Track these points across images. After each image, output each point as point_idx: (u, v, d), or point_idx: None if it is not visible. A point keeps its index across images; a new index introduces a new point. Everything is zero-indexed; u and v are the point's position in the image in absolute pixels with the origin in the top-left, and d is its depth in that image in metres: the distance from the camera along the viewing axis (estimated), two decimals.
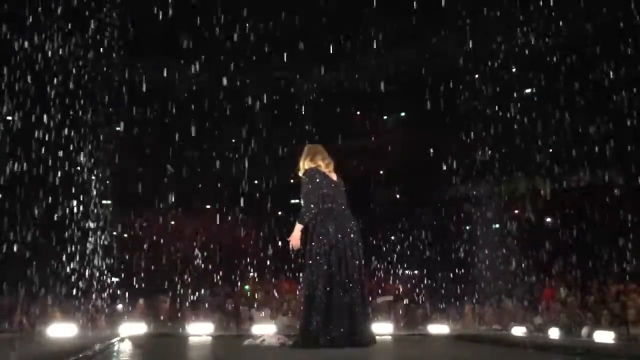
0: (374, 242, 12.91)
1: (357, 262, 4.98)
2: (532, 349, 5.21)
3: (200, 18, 11.87)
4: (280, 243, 11.97)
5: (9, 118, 11.33)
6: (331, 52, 13.14)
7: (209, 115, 13.54)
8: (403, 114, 15.96)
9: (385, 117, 16.22)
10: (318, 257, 4.89)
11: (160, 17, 11.50)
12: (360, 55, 13.97)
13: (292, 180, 5.27)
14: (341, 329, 4.75)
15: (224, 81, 13.23)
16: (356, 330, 4.79)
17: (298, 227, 5.03)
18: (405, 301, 11.54)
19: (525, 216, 12.67)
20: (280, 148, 13.72)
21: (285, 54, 13.28)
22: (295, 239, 5.04)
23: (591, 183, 12.37)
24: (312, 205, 4.96)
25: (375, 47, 13.20)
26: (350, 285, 4.87)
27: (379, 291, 12.11)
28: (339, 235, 4.95)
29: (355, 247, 5.00)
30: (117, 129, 13.33)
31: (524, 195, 12.97)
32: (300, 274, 5.13)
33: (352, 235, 5.01)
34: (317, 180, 5.03)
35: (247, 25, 12.24)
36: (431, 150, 14.50)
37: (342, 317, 4.78)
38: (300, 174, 5.17)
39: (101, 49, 11.51)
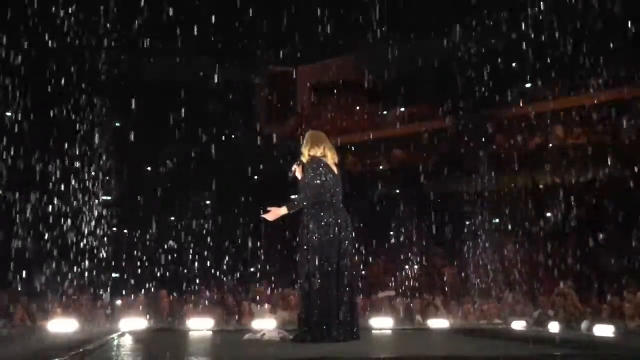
0: (376, 236, 12.92)
1: (349, 259, 4.97)
2: (532, 343, 5.22)
3: (200, 10, 11.85)
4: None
5: (9, 114, 11.33)
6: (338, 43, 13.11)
7: (207, 109, 13.54)
8: (403, 109, 15.96)
9: (385, 113, 16.22)
10: (314, 249, 4.88)
11: (160, 10, 11.49)
12: (368, 47, 13.96)
13: (290, 174, 5.21)
14: (331, 324, 4.76)
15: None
16: (342, 326, 4.79)
17: (283, 210, 4.95)
18: (406, 296, 11.54)
19: (526, 212, 12.66)
20: (282, 143, 13.73)
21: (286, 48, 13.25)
22: (273, 214, 4.95)
23: (593, 178, 12.38)
24: (309, 197, 4.94)
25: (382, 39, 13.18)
26: (340, 280, 4.87)
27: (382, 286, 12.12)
28: (337, 229, 4.94)
29: (349, 243, 5.00)
30: (117, 124, 13.35)
31: (524, 190, 12.97)
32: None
33: (347, 231, 5.01)
34: (321, 170, 5.01)
35: (248, 18, 12.22)
36: (432, 146, 14.54)
37: (332, 312, 4.79)
38: (304, 160, 5.13)
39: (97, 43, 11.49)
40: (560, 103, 13.55)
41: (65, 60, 10.92)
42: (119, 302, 10.70)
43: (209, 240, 13.19)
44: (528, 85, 14.15)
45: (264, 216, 5.01)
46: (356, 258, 5.14)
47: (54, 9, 10.37)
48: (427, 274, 12.65)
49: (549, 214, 12.84)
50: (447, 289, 12.06)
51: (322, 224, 4.91)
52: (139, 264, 12.42)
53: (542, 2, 12.16)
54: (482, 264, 12.11)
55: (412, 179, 14.15)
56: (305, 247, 4.94)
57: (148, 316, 9.44)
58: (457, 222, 12.97)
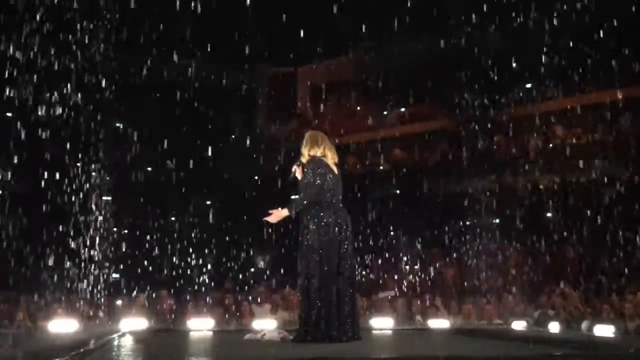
0: (376, 236, 12.93)
1: (349, 259, 4.98)
2: (532, 343, 5.22)
3: (200, 10, 11.82)
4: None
5: (9, 114, 11.35)
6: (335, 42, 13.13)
7: (208, 109, 13.55)
8: (403, 109, 15.97)
9: (385, 113, 16.21)
10: (314, 249, 4.88)
11: (160, 10, 11.49)
12: (368, 47, 13.97)
13: (290, 175, 5.22)
14: (331, 324, 4.77)
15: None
16: (342, 326, 4.80)
17: (284, 212, 4.97)
18: (406, 296, 11.54)
19: (526, 212, 12.66)
20: (282, 143, 13.72)
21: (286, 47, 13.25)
22: (275, 217, 4.97)
23: (594, 177, 12.37)
24: (309, 197, 4.94)
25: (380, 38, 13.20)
26: (342, 280, 4.88)
27: (382, 286, 12.13)
28: (337, 229, 4.95)
29: (349, 243, 5.00)
30: (118, 124, 13.36)
31: (524, 189, 12.97)
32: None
33: (347, 232, 5.01)
34: (321, 170, 5.01)
35: (249, 18, 12.21)
36: (431, 145, 14.53)
37: (333, 311, 4.79)
38: (304, 160, 5.13)
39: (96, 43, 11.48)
40: (560, 103, 13.54)
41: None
42: (119, 302, 10.70)
43: (209, 240, 13.19)
44: (528, 85, 14.16)
45: (266, 218, 5.02)
46: (356, 258, 5.15)
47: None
48: (427, 274, 12.64)
49: (549, 214, 12.84)
50: (447, 289, 12.06)
51: (322, 224, 4.92)
52: (139, 264, 12.43)
53: (542, 2, 12.18)
54: (482, 264, 12.11)
55: (412, 179, 14.15)
56: (305, 247, 4.95)
57: (148, 316, 9.45)
58: (457, 222, 12.97)
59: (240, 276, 12.71)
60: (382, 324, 7.97)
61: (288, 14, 12.44)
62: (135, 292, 10.95)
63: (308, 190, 4.95)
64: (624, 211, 11.29)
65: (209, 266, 12.77)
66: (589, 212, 11.70)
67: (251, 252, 13.54)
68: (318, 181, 4.96)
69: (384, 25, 12.92)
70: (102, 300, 10.57)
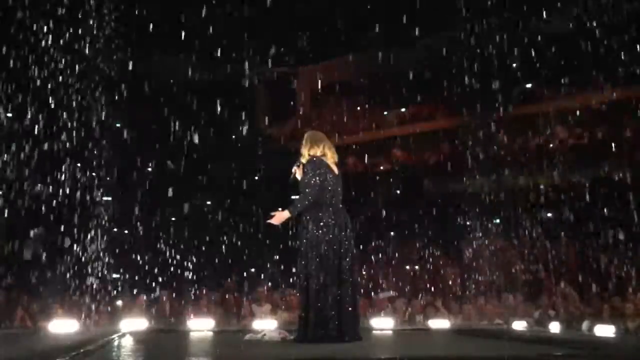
0: (376, 237, 12.93)
1: (349, 259, 4.97)
2: (532, 343, 5.23)
3: (200, 9, 11.83)
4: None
5: (9, 115, 11.34)
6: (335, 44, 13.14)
7: (207, 109, 13.55)
8: (403, 109, 15.97)
9: (385, 113, 16.23)
10: (314, 250, 4.88)
11: (160, 10, 11.49)
12: (368, 47, 13.98)
13: (291, 176, 5.21)
14: (331, 324, 4.77)
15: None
16: (342, 326, 4.80)
17: (286, 214, 4.97)
18: (406, 296, 11.54)
19: (526, 212, 12.65)
20: (282, 143, 13.72)
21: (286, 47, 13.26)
22: (278, 219, 4.98)
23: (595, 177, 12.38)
24: (309, 197, 4.93)
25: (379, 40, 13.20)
26: (342, 281, 4.88)
27: (382, 287, 12.12)
28: (337, 230, 4.94)
29: (349, 243, 5.00)
30: (117, 124, 13.35)
31: (525, 190, 12.97)
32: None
33: (348, 232, 5.01)
34: (321, 170, 5.00)
35: (249, 16, 12.21)
36: (431, 144, 14.53)
37: (333, 312, 4.79)
38: (303, 160, 5.13)
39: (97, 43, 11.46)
40: (560, 103, 13.54)
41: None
42: (119, 303, 10.70)
43: (209, 240, 13.18)
44: (529, 85, 14.17)
45: (269, 221, 5.02)
46: (356, 258, 5.15)
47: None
48: (427, 274, 12.64)
49: (549, 214, 12.84)
50: (447, 289, 12.06)
51: (321, 224, 4.92)
52: (139, 264, 12.42)
53: (542, 2, 12.20)
54: (482, 264, 12.11)
55: (412, 179, 14.16)
56: (305, 248, 4.95)
57: (148, 316, 9.45)
58: (458, 222, 12.97)
59: (240, 276, 12.71)
60: (382, 324, 7.97)
61: (288, 14, 12.44)
62: (135, 293, 10.94)
63: (309, 191, 4.94)
64: (624, 211, 11.28)
65: (209, 266, 12.76)
66: (589, 211, 11.70)
67: (251, 252, 13.52)
68: (317, 180, 4.96)
69: (384, 24, 12.91)
70: (103, 300, 10.56)
